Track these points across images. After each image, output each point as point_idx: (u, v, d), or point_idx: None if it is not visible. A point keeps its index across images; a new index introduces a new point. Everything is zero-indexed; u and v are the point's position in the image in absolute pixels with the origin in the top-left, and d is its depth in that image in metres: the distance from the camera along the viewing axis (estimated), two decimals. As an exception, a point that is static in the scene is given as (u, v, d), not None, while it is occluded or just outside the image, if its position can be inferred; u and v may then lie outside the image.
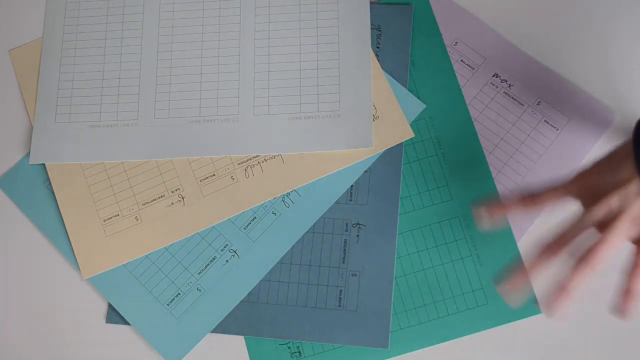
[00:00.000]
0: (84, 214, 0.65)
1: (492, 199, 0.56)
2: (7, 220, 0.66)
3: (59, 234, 0.65)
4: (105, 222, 0.64)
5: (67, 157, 0.65)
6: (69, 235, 0.64)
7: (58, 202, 0.65)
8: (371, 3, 0.67)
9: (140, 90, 0.67)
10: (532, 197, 0.54)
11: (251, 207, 0.64)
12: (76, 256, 0.64)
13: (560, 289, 0.52)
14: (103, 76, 0.67)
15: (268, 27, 0.67)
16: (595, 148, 0.63)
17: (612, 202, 0.50)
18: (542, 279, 0.61)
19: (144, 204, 0.65)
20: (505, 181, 0.63)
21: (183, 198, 0.64)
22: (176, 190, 0.65)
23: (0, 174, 0.67)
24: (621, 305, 0.51)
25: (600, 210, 0.51)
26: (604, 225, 0.51)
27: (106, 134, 0.66)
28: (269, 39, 0.66)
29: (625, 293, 0.51)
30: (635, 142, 0.50)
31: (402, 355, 0.61)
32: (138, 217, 0.64)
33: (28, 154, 0.66)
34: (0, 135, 0.68)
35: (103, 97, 0.67)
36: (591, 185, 0.52)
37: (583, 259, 0.51)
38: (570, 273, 0.51)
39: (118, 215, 0.65)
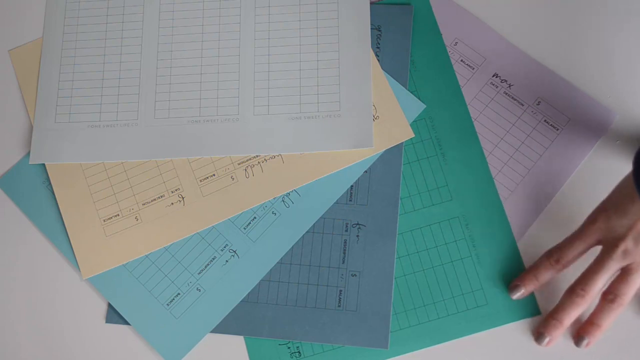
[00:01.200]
0: (84, 214, 0.65)
1: (523, 276, 0.60)
2: (7, 220, 0.66)
3: (58, 234, 0.65)
4: (105, 222, 0.64)
5: (67, 157, 0.65)
6: (69, 235, 0.64)
7: (58, 202, 0.65)
8: (371, 3, 0.66)
9: (140, 90, 0.67)
10: (558, 260, 0.58)
11: (251, 207, 0.64)
12: (76, 256, 0.64)
13: (591, 323, 0.57)
14: (103, 76, 0.67)
15: (268, 27, 0.67)
16: (595, 148, 0.63)
17: (628, 244, 0.54)
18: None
19: (143, 204, 0.65)
20: (505, 181, 0.63)
21: (183, 198, 0.64)
22: (176, 190, 0.65)
23: (0, 174, 0.67)
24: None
25: (619, 256, 0.54)
26: (628, 267, 0.55)
27: (106, 134, 0.66)
28: (269, 39, 0.66)
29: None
30: (637, 184, 0.52)
31: (402, 355, 0.61)
32: (138, 217, 0.64)
33: (28, 154, 0.66)
34: (0, 135, 0.68)
35: (103, 97, 0.67)
36: (604, 229, 0.55)
37: (611, 298, 0.56)
38: (600, 310, 0.57)
39: (118, 215, 0.65)
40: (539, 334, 0.59)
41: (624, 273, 0.55)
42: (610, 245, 0.55)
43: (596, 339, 0.57)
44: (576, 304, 0.56)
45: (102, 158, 0.65)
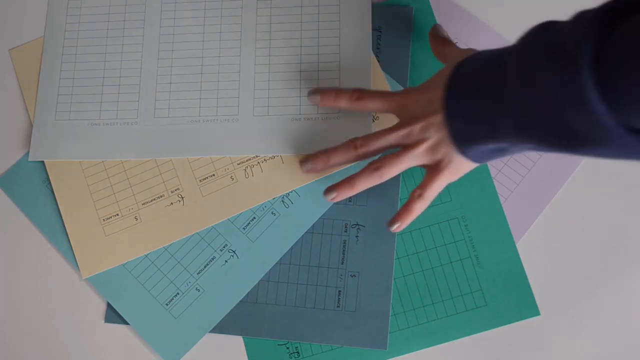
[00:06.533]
0: (84, 213, 0.65)
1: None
2: (7, 219, 0.66)
3: (58, 234, 0.65)
4: (105, 222, 0.65)
5: (66, 154, 0.65)
6: (69, 234, 0.64)
7: (58, 201, 0.65)
8: (372, 4, 0.66)
9: (140, 89, 0.67)
10: (360, 96, 0.59)
11: (250, 208, 0.64)
12: (75, 256, 0.64)
13: (348, 181, 0.57)
14: (104, 74, 0.67)
15: (269, 28, 0.67)
16: (596, 149, 0.63)
17: (416, 129, 0.54)
18: (539, 280, 0.61)
19: (143, 204, 0.65)
20: (505, 181, 0.63)
21: (182, 198, 0.64)
22: (176, 190, 0.65)
23: (0, 172, 0.67)
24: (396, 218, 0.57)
25: (403, 134, 0.54)
26: (405, 146, 0.55)
27: (106, 132, 0.66)
28: (270, 39, 0.66)
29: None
30: (450, 81, 0.52)
31: (401, 356, 0.61)
32: (137, 217, 0.64)
33: (28, 154, 0.66)
34: (0, 134, 0.68)
35: (103, 95, 0.67)
36: (409, 105, 0.55)
37: (376, 166, 0.56)
38: (361, 172, 0.57)
39: (117, 214, 0.65)
40: (306, 163, 0.60)
41: (399, 150, 0.55)
42: (403, 123, 0.55)
43: (343, 196, 0.58)
44: (348, 152, 0.57)
45: (101, 156, 0.65)
